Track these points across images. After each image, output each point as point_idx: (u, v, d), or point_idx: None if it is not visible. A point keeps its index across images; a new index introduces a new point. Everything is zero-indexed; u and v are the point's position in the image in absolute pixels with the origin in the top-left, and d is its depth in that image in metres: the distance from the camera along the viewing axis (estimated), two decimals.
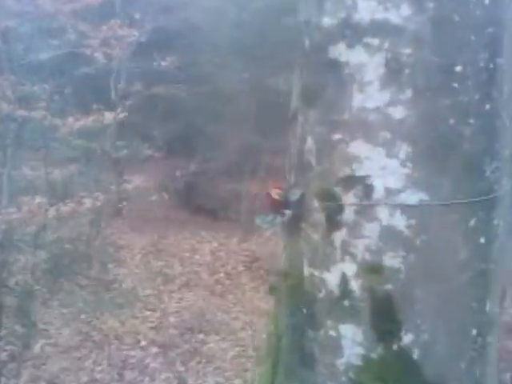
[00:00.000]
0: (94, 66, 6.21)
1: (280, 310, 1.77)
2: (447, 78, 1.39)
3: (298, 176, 1.66)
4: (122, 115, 5.42)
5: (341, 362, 1.50)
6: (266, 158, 9.86)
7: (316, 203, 1.56)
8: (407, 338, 1.44)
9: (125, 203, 7.68)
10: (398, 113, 1.42)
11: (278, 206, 1.67)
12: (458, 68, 1.39)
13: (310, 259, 1.59)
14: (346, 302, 1.49)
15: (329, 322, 1.52)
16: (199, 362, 4.18)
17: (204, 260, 7.19)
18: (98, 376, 3.76)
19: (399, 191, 1.43)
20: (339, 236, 1.50)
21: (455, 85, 1.39)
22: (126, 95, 7.40)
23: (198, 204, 9.32)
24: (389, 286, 1.45)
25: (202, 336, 4.71)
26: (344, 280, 1.49)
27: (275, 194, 1.67)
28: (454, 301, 1.45)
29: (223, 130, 8.52)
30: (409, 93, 1.41)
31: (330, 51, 1.51)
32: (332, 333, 1.52)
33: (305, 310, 1.59)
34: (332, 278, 1.52)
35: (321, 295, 1.54)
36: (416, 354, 1.43)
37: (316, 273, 1.56)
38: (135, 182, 7.77)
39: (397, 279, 1.44)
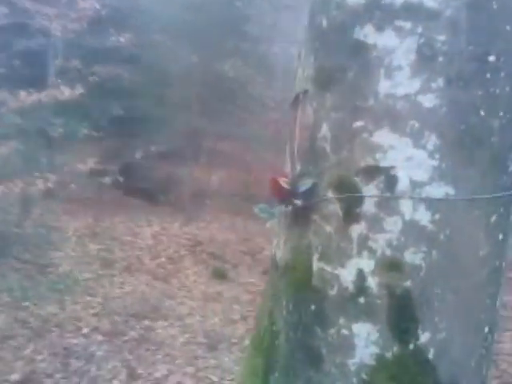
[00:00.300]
0: (36, 41, 5.70)
1: (276, 306, 1.66)
2: (480, 68, 1.33)
3: (307, 164, 1.54)
4: (65, 93, 5.01)
5: (353, 362, 1.43)
6: (209, 142, 9.67)
7: (331, 194, 1.46)
8: (424, 337, 1.39)
9: (60, 184, 7.21)
10: (427, 102, 1.34)
11: (286, 195, 1.56)
12: (492, 58, 1.34)
13: (320, 253, 1.49)
14: (362, 300, 1.41)
15: (341, 321, 1.44)
16: (147, 350, 4.00)
17: (145, 244, 6.93)
18: (40, 366, 3.47)
19: (425, 184, 1.36)
20: (357, 229, 1.41)
21: (488, 75, 1.34)
22: (65, 72, 6.91)
23: (138, 187, 8.98)
24: (408, 284, 1.38)
25: (147, 322, 4.52)
26: (360, 276, 1.41)
27: (283, 182, 1.55)
28: (471, 298, 1.42)
29: (167, 112, 8.22)
30: (440, 81, 1.33)
31: (356, 32, 1.40)
32: (344, 331, 1.43)
33: (312, 307, 1.49)
34: (346, 274, 1.43)
35: (332, 292, 1.45)
36: (431, 354, 1.39)
37: (328, 268, 1.46)
38: (72, 162, 7.30)
39: (417, 276, 1.38)
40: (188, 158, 9.49)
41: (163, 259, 6.55)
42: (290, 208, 1.59)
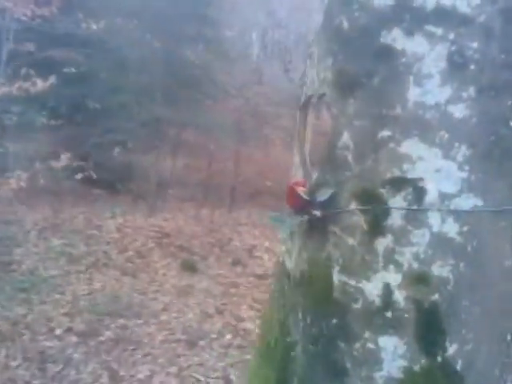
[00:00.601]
0: None
1: (291, 317, 1.61)
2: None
3: (325, 173, 1.48)
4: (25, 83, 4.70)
5: (380, 375, 1.40)
6: (171, 130, 9.44)
7: (354, 205, 1.41)
8: (452, 349, 1.37)
9: (16, 173, 6.83)
10: (458, 111, 1.31)
11: (303, 205, 1.49)
12: None
13: (341, 266, 1.44)
14: (389, 314, 1.37)
15: (367, 334, 1.40)
16: (126, 350, 3.87)
17: (110, 237, 6.71)
18: (17, 373, 3.29)
19: (453, 196, 1.33)
20: (383, 243, 1.37)
21: None
22: (15, 56, 6.51)
23: (98, 177, 8.66)
24: (436, 297, 1.36)
25: (122, 321, 4.38)
26: (387, 290, 1.37)
27: (301, 191, 1.48)
28: (496, 308, 1.41)
29: (128, 99, 7.93)
30: (471, 91, 1.30)
31: (382, 36, 1.34)
32: (370, 345, 1.40)
33: (334, 321, 1.45)
34: (372, 288, 1.39)
35: (356, 306, 1.41)
36: (459, 365, 1.38)
37: (351, 281, 1.42)
38: (27, 151, 6.95)
39: (444, 289, 1.36)
40: (150, 146, 9.25)
41: (131, 253, 6.36)
42: (306, 218, 1.53)
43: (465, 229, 1.34)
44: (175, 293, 5.42)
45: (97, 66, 7.92)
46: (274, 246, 8.17)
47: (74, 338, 3.88)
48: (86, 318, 4.29)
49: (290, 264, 1.66)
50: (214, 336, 4.22)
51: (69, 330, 4.03)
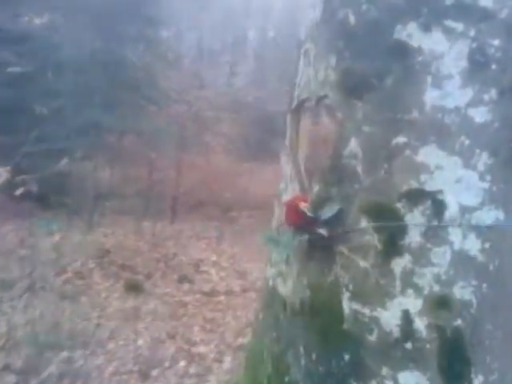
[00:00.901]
0: None
1: (289, 352, 1.41)
2: None
3: (330, 186, 1.31)
4: None
5: None
6: (109, 137, 8.97)
7: (365, 222, 1.24)
8: (477, 381, 1.23)
9: None
10: (479, 116, 1.18)
11: (305, 223, 1.31)
12: None
13: (352, 292, 1.26)
14: (409, 345, 1.21)
15: (384, 371, 1.23)
16: None
17: (46, 257, 6.18)
18: None
19: (475, 209, 1.20)
20: (400, 264, 1.21)
21: None
22: None
23: (28, 189, 8.03)
24: (459, 322, 1.21)
25: (65, 353, 3.96)
26: (406, 318, 1.21)
27: (305, 207, 1.29)
28: None
29: (64, 104, 7.42)
30: (493, 93, 1.18)
31: (396, 32, 1.19)
32: (388, 382, 1.23)
33: (346, 357, 1.26)
34: (389, 317, 1.22)
35: (371, 338, 1.24)
36: None
37: (364, 310, 1.24)
38: None
39: (467, 313, 1.21)
40: (86, 155, 8.73)
41: (70, 274, 5.88)
42: (305, 237, 1.34)
43: (487, 246, 1.21)
44: (121, 317, 5.03)
45: (29, 67, 7.34)
46: (222, 259, 7.94)
47: (11, 378, 3.44)
48: (25, 352, 3.84)
49: (284, 290, 1.46)
50: (167, 364, 3.91)
51: (6, 367, 3.57)
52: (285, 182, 1.52)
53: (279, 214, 1.54)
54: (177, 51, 10.18)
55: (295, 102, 1.46)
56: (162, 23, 9.23)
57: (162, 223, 8.91)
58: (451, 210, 1.19)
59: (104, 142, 8.57)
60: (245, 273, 7.58)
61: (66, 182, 8.25)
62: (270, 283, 1.55)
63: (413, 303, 1.21)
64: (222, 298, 6.33)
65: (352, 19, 1.24)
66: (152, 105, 9.06)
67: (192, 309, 5.96)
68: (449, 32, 1.16)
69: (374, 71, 1.22)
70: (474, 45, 1.16)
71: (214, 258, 7.99)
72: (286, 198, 1.45)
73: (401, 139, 1.20)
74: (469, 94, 1.17)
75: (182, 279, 6.99)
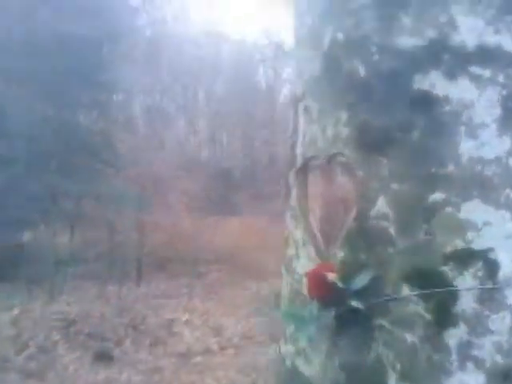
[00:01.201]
0: None
1: None
2: None
3: (359, 251, 1.17)
4: None
5: None
6: (66, 202, 8.62)
7: (406, 290, 1.11)
8: None
9: None
10: None
11: (337, 296, 1.15)
12: None
13: (401, 372, 1.11)
14: None
15: None
16: None
17: (5, 334, 5.69)
18: None
19: None
20: (455, 335, 1.07)
21: None
22: None
23: None
24: None
25: None
26: None
27: (333, 278, 1.15)
28: None
29: (18, 171, 7.10)
30: None
31: (416, 81, 1.10)
32: None
33: None
34: None
35: None
36: None
37: None
38: None
39: None
40: (41, 221, 8.33)
41: (33, 349, 5.43)
42: (334, 312, 1.19)
43: None
44: None
45: None
46: (194, 317, 7.60)
47: None
48: None
49: (309, 370, 1.29)
50: None
51: None
52: (295, 248, 1.38)
53: (292, 283, 1.39)
54: (130, 114, 10.11)
55: (299, 161, 1.34)
56: (114, 88, 9.16)
57: (127, 286, 8.54)
58: (505, 270, 1.08)
59: (62, 208, 8.24)
60: (220, 329, 7.28)
61: (23, 250, 7.81)
62: (288, 363, 1.38)
63: (474, 379, 1.06)
64: (198, 358, 6.00)
65: (362, 71, 1.15)
66: (109, 168, 8.86)
67: (168, 374, 5.62)
68: (476, 79, 1.08)
69: (397, 124, 1.12)
70: (505, 91, 1.08)
71: (185, 317, 7.66)
72: (303, 266, 1.31)
73: (439, 195, 1.09)
74: (507, 142, 1.08)
75: (155, 343, 6.62)
